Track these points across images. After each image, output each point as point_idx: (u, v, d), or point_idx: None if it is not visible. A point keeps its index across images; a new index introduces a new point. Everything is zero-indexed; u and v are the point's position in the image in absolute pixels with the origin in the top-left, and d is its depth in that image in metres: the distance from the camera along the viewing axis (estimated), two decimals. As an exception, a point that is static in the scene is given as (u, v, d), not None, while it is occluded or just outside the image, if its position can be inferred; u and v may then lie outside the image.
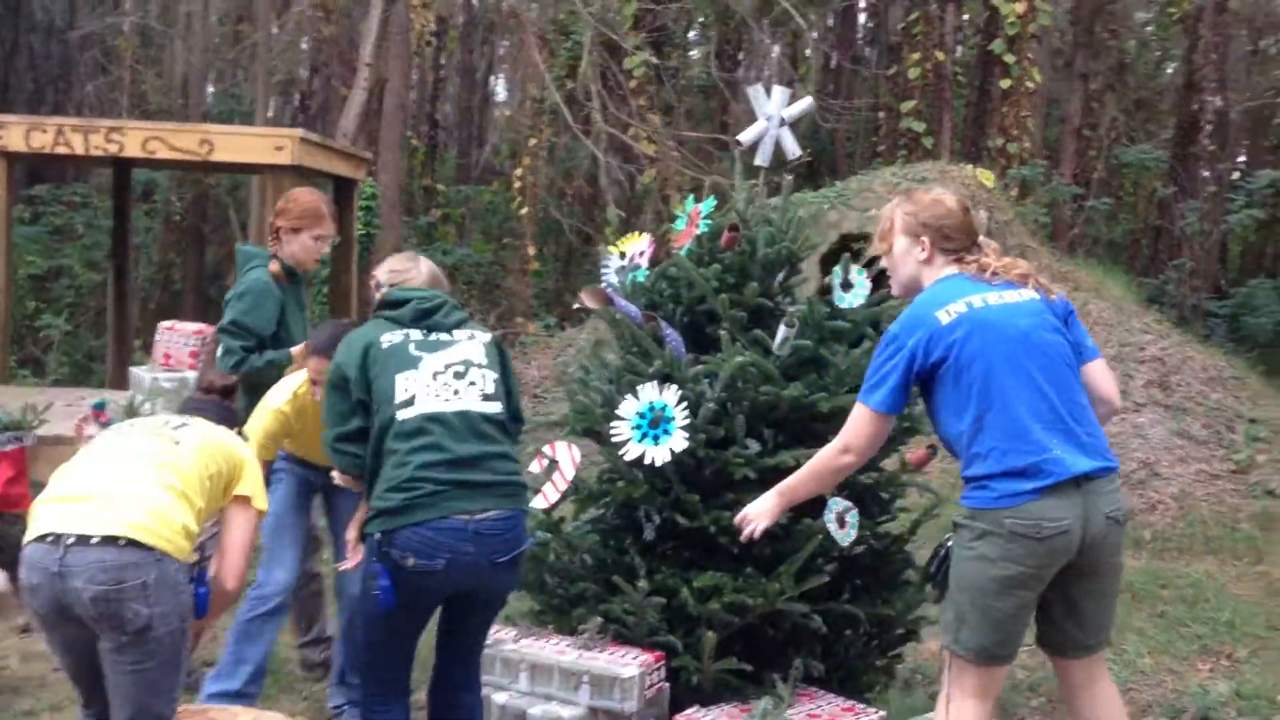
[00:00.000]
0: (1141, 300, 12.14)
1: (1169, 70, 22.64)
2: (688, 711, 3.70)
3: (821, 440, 4.17)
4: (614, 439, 3.87)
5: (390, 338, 3.04)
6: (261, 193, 10.73)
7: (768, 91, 4.46)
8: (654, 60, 15.38)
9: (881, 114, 19.02)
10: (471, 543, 2.97)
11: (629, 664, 3.64)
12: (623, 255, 4.50)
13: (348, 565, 3.77)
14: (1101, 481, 3.13)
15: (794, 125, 4.46)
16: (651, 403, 3.85)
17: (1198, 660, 5.49)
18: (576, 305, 4.23)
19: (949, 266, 3.38)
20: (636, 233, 4.70)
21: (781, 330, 3.99)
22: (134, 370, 7.12)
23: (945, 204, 3.44)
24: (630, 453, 3.81)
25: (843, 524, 3.87)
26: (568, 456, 4.14)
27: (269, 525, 4.08)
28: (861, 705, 3.80)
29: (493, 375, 3.15)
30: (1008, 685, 4.66)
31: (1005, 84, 15.31)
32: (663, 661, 3.81)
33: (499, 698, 3.68)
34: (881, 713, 3.73)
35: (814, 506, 3.85)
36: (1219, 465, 8.75)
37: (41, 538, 2.87)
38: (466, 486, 2.99)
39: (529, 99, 14.90)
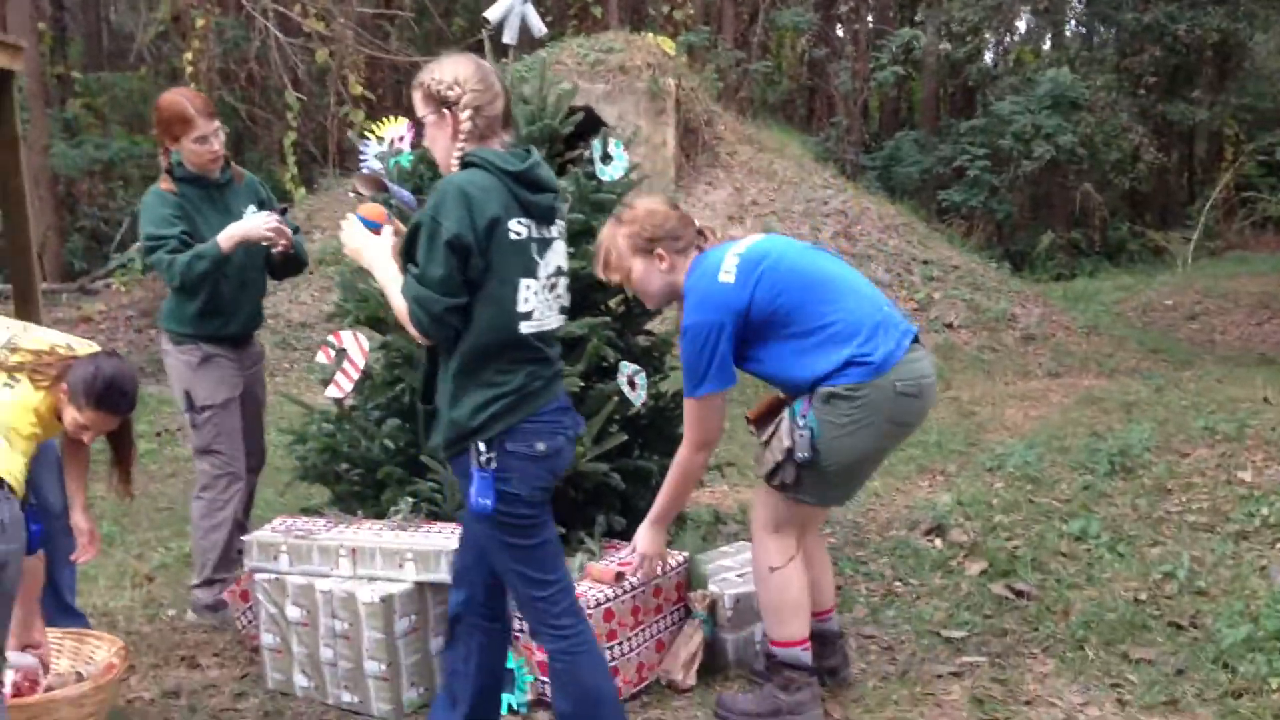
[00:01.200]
0: (817, 159, 12.99)
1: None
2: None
3: (600, 307, 4.38)
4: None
5: (518, 229, 2.80)
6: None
7: (513, -31, 4.46)
8: (315, -68, 14.64)
9: (547, -16, 19.00)
10: (567, 416, 2.96)
11: (450, 537, 3.73)
12: (381, 140, 4.45)
13: (87, 557, 3.52)
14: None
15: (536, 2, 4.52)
16: (441, 285, 3.88)
17: (918, 479, 6.18)
18: (351, 192, 4.17)
19: (688, 262, 3.42)
20: (392, 118, 4.63)
21: (557, 206, 4.10)
22: None
23: (659, 210, 3.44)
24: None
25: (634, 386, 4.11)
26: (355, 345, 4.13)
27: None
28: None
29: (567, 280, 3.04)
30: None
31: (668, -49, 15.68)
32: (476, 533, 3.93)
33: (323, 585, 3.69)
34: (684, 554, 4.03)
35: (604, 373, 4.06)
36: (904, 305, 9.65)
37: None
38: (555, 378, 2.96)
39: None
